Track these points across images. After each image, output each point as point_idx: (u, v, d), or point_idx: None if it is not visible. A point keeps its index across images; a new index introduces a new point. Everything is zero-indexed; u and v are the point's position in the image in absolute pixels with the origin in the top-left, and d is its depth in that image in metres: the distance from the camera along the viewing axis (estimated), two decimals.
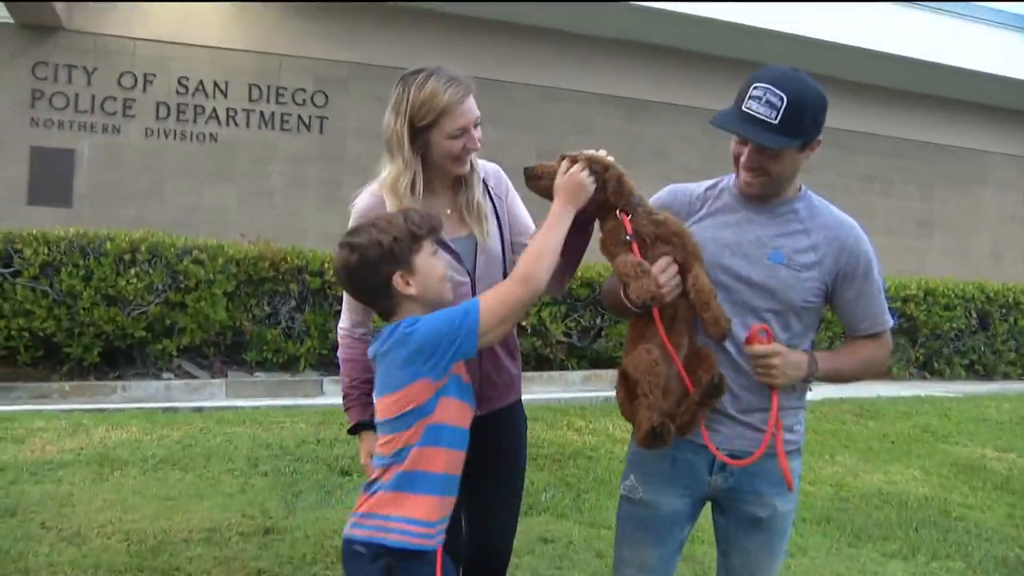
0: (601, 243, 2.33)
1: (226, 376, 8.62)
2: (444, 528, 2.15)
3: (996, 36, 14.22)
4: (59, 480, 4.84)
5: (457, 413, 2.14)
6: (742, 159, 2.27)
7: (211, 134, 11.23)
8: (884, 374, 11.11)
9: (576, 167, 2.25)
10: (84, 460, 5.19)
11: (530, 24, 12.24)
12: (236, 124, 11.35)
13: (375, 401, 2.17)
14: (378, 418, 2.15)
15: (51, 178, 10.58)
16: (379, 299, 2.17)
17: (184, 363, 8.62)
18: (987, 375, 12.23)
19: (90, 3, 10.60)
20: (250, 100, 11.40)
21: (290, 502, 4.71)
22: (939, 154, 15.52)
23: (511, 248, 2.60)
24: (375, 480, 2.13)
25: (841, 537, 4.81)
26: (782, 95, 2.14)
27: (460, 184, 2.50)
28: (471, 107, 2.40)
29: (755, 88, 2.19)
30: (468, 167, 2.46)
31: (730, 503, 2.38)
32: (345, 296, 2.56)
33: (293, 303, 8.83)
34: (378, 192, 2.45)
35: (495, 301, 2.11)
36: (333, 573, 3.86)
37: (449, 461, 2.12)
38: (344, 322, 2.58)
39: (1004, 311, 12.33)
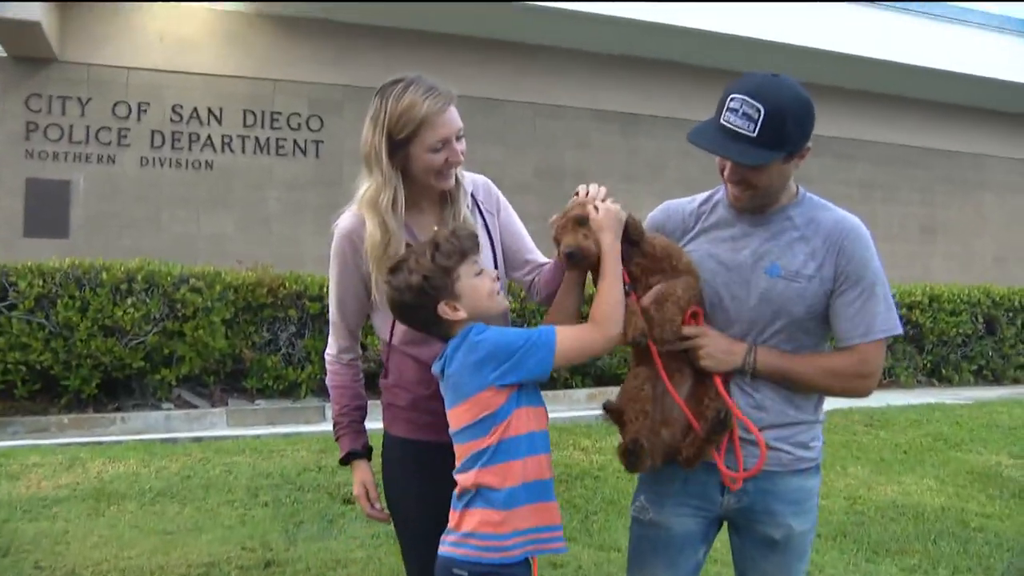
0: (595, 282, 2.23)
1: (227, 405, 8.51)
2: (557, 534, 2.10)
3: (992, 39, 14.18)
4: (54, 517, 4.73)
5: (535, 419, 2.11)
6: (726, 172, 2.17)
7: (206, 161, 11.18)
8: (886, 384, 11.03)
9: (602, 202, 2.16)
10: (80, 495, 5.08)
11: (524, 42, 12.21)
12: (231, 150, 11.30)
13: (447, 413, 2.13)
14: (452, 429, 2.12)
15: (47, 210, 10.52)
16: (434, 328, 2.16)
17: (184, 393, 8.51)
18: (996, 380, 12.10)
19: (82, 32, 10.57)
20: (245, 126, 11.35)
21: (291, 533, 4.59)
22: (939, 159, 15.46)
23: (508, 264, 2.49)
24: (464, 492, 2.09)
25: (858, 552, 4.69)
26: (759, 106, 2.03)
27: (447, 200, 2.39)
28: (452, 118, 2.27)
29: (732, 100, 2.07)
30: (453, 181, 2.33)
31: (745, 523, 2.28)
32: (331, 321, 2.46)
33: (293, 329, 8.74)
34: (359, 211, 2.33)
35: (573, 339, 2.09)
36: None
37: (539, 466, 2.09)
38: (331, 348, 2.48)
39: (1011, 315, 12.22)
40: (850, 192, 14.10)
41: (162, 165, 11.00)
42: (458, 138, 2.28)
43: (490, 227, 2.46)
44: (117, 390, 8.18)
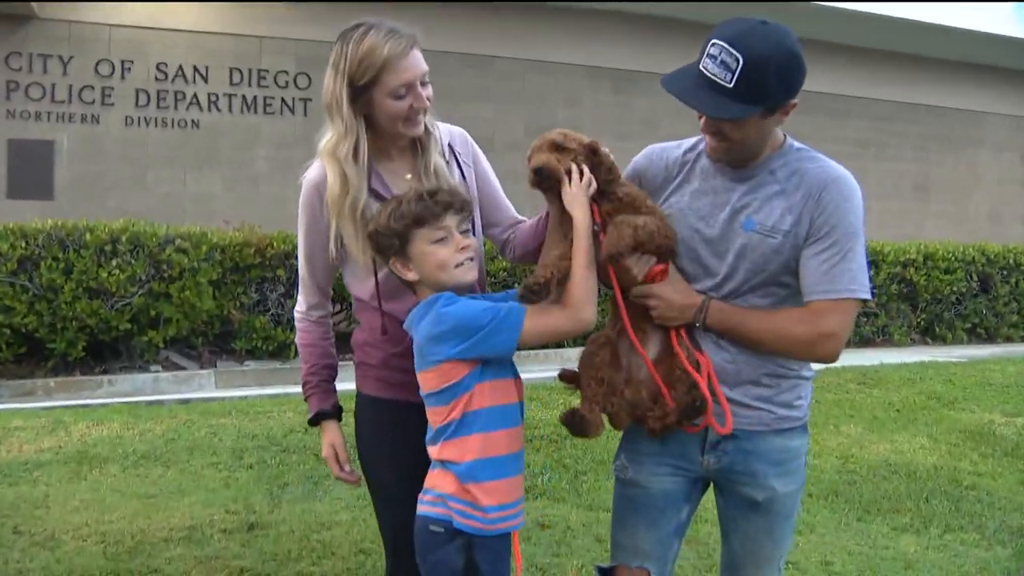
0: (559, 224, 2.14)
1: (215, 366, 8.44)
2: (518, 510, 2.07)
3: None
4: (35, 481, 4.65)
5: (500, 392, 2.04)
6: (702, 121, 2.05)
7: (193, 120, 11.01)
8: (880, 343, 11.00)
9: (578, 182, 2.05)
10: (62, 459, 5.00)
11: None
12: (218, 109, 11.13)
13: (418, 374, 2.07)
14: (421, 391, 2.07)
15: (30, 171, 10.36)
16: (402, 281, 2.11)
17: (172, 355, 8.44)
18: (989, 338, 12.09)
19: None
20: (231, 84, 11.17)
21: (276, 495, 4.52)
22: (933, 116, 15.32)
23: (483, 221, 2.40)
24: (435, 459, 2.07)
25: (850, 511, 4.64)
26: (738, 55, 1.88)
27: (417, 148, 2.29)
28: (416, 61, 2.17)
29: (712, 45, 1.94)
30: (421, 128, 2.24)
31: (727, 484, 2.20)
32: (300, 276, 2.38)
33: (281, 289, 8.65)
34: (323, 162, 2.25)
35: (542, 322, 2.01)
36: (319, 569, 3.69)
37: (508, 440, 2.04)
38: (300, 304, 2.40)
39: (1005, 273, 12.17)
40: (843, 149, 13.96)
41: (147, 124, 10.83)
42: (423, 83, 2.19)
43: (468, 179, 2.37)
44: (104, 353, 8.09)
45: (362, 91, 2.15)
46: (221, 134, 11.10)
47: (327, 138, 2.22)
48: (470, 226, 2.15)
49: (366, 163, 2.20)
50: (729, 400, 2.07)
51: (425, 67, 2.19)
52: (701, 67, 1.96)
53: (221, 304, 8.40)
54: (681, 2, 12.13)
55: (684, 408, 2.03)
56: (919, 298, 11.48)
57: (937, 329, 11.71)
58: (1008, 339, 12.17)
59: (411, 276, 2.07)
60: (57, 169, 10.48)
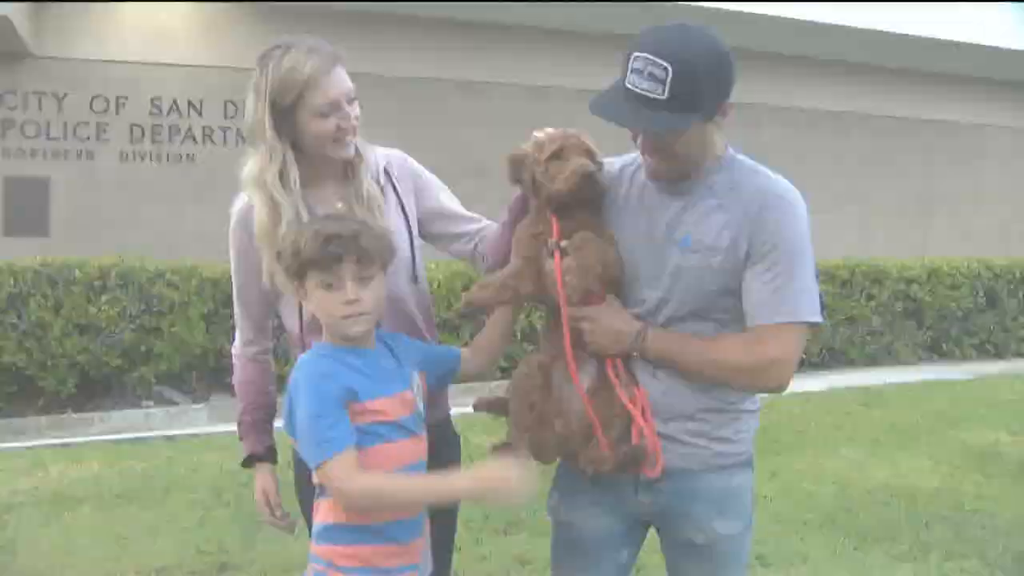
0: (516, 240, 2.05)
1: (209, 400, 8.34)
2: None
3: (991, 6, 13.87)
4: (4, 526, 4.54)
5: (371, 457, 1.87)
6: (639, 141, 1.93)
7: (188, 154, 10.98)
8: (885, 362, 10.81)
9: (512, 470, 1.78)
10: (36, 501, 4.90)
11: (507, 23, 11.96)
12: (213, 142, 11.10)
13: None
14: None
15: (26, 208, 10.34)
16: None
17: (165, 390, 8.34)
18: (998, 354, 11.87)
19: (55, 26, 10.35)
20: (226, 117, 11.13)
21: (251, 533, 4.40)
22: (937, 130, 15.18)
23: (438, 238, 2.33)
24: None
25: (846, 540, 4.48)
26: (666, 65, 1.76)
27: (348, 173, 2.18)
28: (341, 78, 2.07)
29: (635, 59, 1.82)
30: (351, 150, 2.13)
31: (665, 526, 2.05)
32: (235, 313, 2.29)
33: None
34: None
35: (332, 475, 1.80)
36: None
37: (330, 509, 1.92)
38: (236, 340, 2.31)
39: (1012, 287, 11.99)
40: (847, 168, 13.87)
41: (142, 159, 10.81)
42: (350, 101, 2.09)
43: (405, 206, 2.26)
44: (96, 390, 8.01)
45: (286, 113, 2.05)
46: (217, 167, 11.03)
47: (249, 165, 2.12)
48: (375, 274, 1.92)
49: (298, 189, 2.10)
50: (661, 435, 1.93)
51: (350, 84, 2.09)
52: (628, 84, 1.83)
53: (214, 337, 8.32)
54: None
55: (621, 459, 1.88)
56: (925, 315, 11.31)
57: (944, 346, 11.52)
58: (1018, 354, 11.95)
59: (310, 308, 1.97)
60: (53, 206, 10.45)
